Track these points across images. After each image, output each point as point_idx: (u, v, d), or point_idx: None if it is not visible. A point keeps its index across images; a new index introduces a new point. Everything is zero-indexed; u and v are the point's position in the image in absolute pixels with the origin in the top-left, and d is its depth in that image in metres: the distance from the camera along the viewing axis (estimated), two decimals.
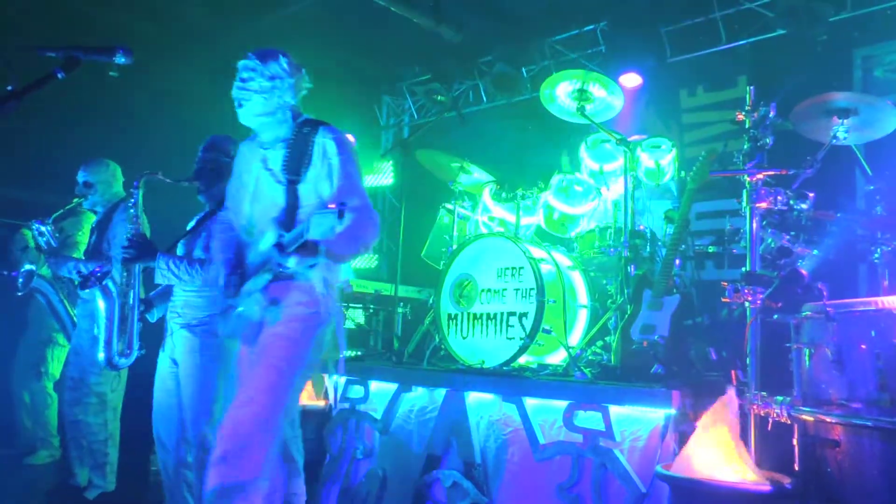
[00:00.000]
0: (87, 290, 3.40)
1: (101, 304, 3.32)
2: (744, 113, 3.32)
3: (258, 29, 5.81)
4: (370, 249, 2.59)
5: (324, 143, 2.52)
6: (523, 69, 6.37)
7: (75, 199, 4.20)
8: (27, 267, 4.34)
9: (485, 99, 6.94)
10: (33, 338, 5.15)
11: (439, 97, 6.58)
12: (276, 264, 2.40)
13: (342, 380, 3.93)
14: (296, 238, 2.32)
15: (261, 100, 2.51)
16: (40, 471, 4.90)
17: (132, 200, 3.24)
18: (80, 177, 4.17)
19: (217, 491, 2.24)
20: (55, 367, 5.12)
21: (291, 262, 2.33)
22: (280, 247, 2.35)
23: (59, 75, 2.07)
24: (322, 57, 6.48)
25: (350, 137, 8.38)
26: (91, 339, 3.63)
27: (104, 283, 3.28)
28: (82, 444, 3.94)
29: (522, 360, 3.58)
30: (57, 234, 4.12)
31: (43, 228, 4.04)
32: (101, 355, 3.27)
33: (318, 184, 2.50)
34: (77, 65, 2.13)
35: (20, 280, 4.33)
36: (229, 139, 3.25)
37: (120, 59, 2.18)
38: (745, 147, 3.28)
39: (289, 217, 2.47)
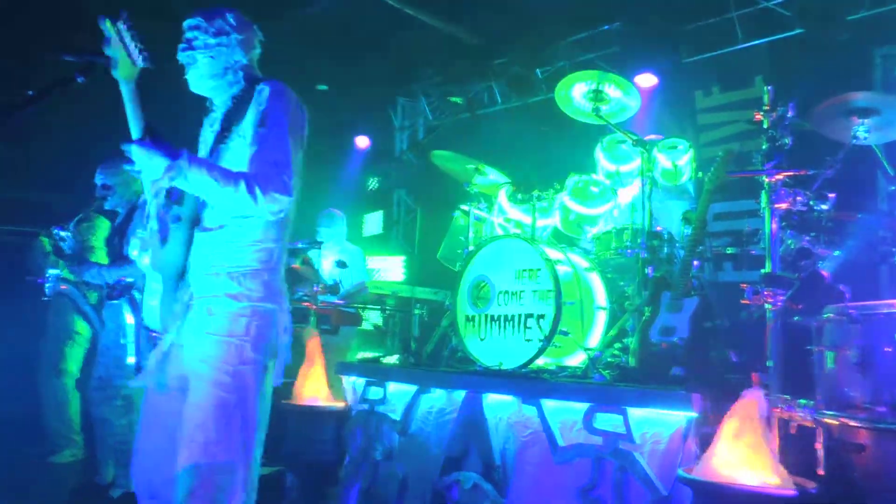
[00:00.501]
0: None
1: (128, 317, 3.36)
2: (762, 113, 3.29)
3: (271, 32, 5.84)
4: (257, 208, 2.17)
5: (259, 91, 2.28)
6: (538, 70, 6.37)
7: (95, 202, 4.25)
8: (52, 272, 4.39)
9: (499, 100, 6.95)
10: (53, 337, 5.21)
11: (454, 98, 6.60)
12: (127, 165, 2.15)
13: (361, 381, 3.95)
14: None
15: (207, 60, 2.31)
16: (65, 469, 4.96)
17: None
18: (98, 179, 4.21)
19: None
20: (73, 364, 5.17)
21: (133, 153, 2.11)
22: (125, 142, 2.13)
23: (79, 79, 2.11)
24: (336, 59, 6.55)
25: (364, 139, 8.45)
26: (117, 340, 3.68)
27: (130, 293, 3.33)
28: (109, 442, 3.99)
29: (540, 361, 3.58)
30: (78, 239, 4.16)
31: (64, 234, 4.09)
32: (131, 360, 3.32)
33: (247, 138, 2.27)
34: (96, 68, 2.16)
35: (47, 286, 4.38)
36: None
37: (139, 63, 2.22)
38: (764, 147, 3.26)
39: None
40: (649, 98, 5.15)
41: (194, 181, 2.11)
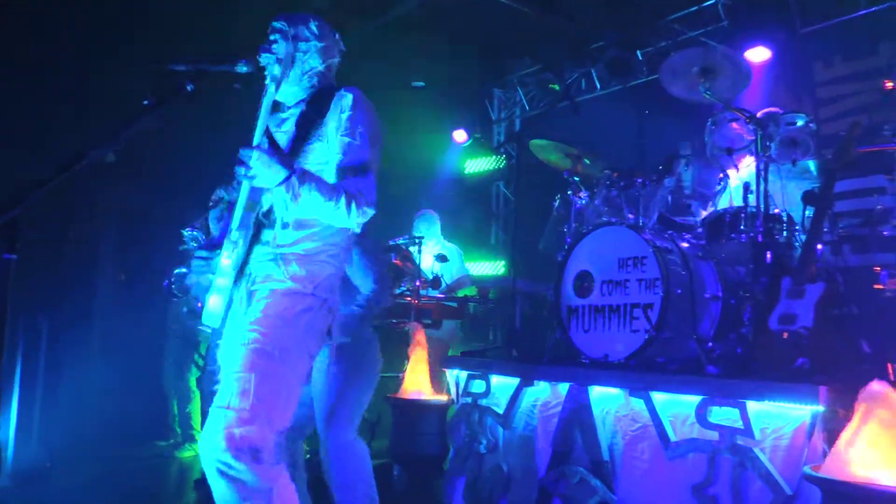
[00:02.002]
0: None
1: None
2: (893, 81, 3.01)
3: (367, 31, 5.94)
4: (349, 221, 2.22)
5: (341, 96, 2.30)
6: (638, 52, 6.14)
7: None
8: (178, 272, 4.57)
9: (598, 86, 6.76)
10: (179, 335, 5.50)
11: (552, 85, 6.47)
12: (240, 169, 2.09)
13: (463, 374, 3.94)
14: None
15: (286, 65, 2.34)
16: (188, 463, 5.26)
17: None
18: (219, 194, 4.40)
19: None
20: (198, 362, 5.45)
21: (254, 159, 2.07)
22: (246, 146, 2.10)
23: (189, 88, 2.19)
24: (432, 55, 6.57)
25: (462, 133, 8.48)
26: None
27: None
28: None
29: (648, 352, 3.43)
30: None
31: (196, 234, 4.30)
32: None
33: (329, 142, 2.29)
34: (205, 77, 2.24)
35: (173, 286, 4.58)
36: None
37: (241, 69, 2.28)
38: None
39: None
40: (762, 73, 4.84)
41: (304, 196, 2.13)
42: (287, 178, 2.10)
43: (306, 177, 2.15)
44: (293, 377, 2.20)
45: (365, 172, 2.25)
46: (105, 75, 5.32)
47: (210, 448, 2.05)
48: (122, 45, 5.25)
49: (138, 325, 6.12)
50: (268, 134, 2.30)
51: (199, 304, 4.18)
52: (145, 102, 2.09)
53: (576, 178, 4.43)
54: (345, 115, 2.27)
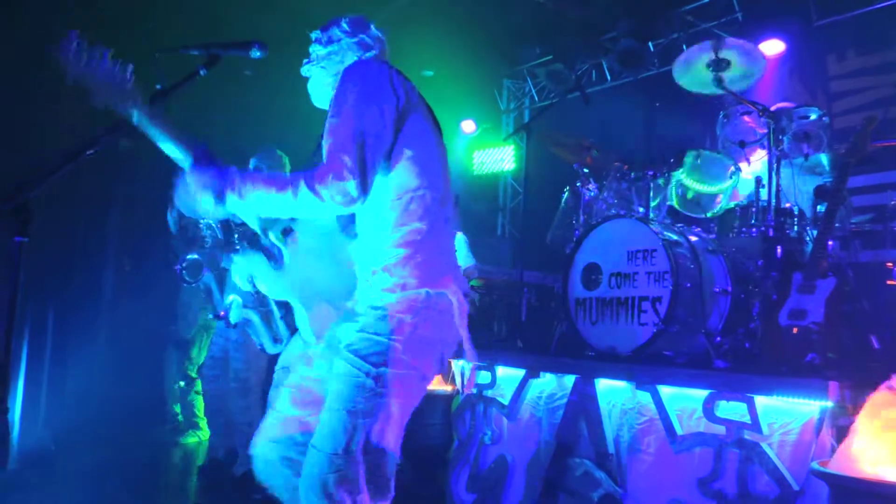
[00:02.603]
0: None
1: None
2: None
3: (378, 19, 5.90)
4: (325, 206, 1.90)
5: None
6: (650, 43, 6.09)
7: None
8: (191, 258, 4.55)
9: (609, 77, 6.71)
10: (185, 325, 5.50)
11: (562, 77, 6.42)
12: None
13: (469, 365, 3.93)
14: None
15: (319, 70, 2.24)
16: (191, 448, 5.28)
17: None
18: (252, 164, 4.39)
19: None
20: (203, 354, 5.45)
21: (188, 170, 1.96)
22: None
23: (202, 72, 2.17)
24: (442, 45, 6.53)
25: (471, 124, 8.38)
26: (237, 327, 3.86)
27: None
28: (219, 420, 4.20)
29: (656, 346, 3.41)
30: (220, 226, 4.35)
31: (211, 223, 4.29)
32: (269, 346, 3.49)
33: None
34: (217, 61, 2.22)
35: (185, 270, 4.57)
36: None
37: (255, 54, 2.25)
38: None
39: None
40: (776, 66, 4.78)
41: (250, 196, 1.93)
42: (220, 188, 1.93)
43: (240, 176, 1.95)
44: (402, 404, 2.00)
45: (331, 145, 1.93)
46: (117, 60, 5.30)
47: (309, 495, 1.91)
48: (133, 29, 5.23)
49: (144, 310, 6.13)
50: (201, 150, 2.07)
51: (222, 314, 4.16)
52: (157, 87, 2.08)
53: (585, 170, 4.40)
54: (332, 97, 2.07)
